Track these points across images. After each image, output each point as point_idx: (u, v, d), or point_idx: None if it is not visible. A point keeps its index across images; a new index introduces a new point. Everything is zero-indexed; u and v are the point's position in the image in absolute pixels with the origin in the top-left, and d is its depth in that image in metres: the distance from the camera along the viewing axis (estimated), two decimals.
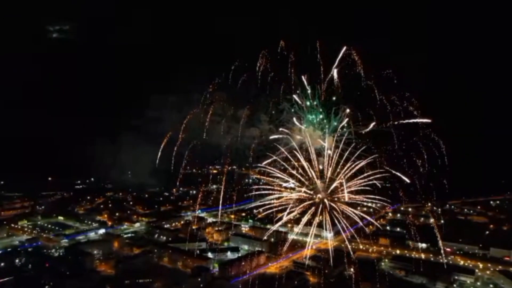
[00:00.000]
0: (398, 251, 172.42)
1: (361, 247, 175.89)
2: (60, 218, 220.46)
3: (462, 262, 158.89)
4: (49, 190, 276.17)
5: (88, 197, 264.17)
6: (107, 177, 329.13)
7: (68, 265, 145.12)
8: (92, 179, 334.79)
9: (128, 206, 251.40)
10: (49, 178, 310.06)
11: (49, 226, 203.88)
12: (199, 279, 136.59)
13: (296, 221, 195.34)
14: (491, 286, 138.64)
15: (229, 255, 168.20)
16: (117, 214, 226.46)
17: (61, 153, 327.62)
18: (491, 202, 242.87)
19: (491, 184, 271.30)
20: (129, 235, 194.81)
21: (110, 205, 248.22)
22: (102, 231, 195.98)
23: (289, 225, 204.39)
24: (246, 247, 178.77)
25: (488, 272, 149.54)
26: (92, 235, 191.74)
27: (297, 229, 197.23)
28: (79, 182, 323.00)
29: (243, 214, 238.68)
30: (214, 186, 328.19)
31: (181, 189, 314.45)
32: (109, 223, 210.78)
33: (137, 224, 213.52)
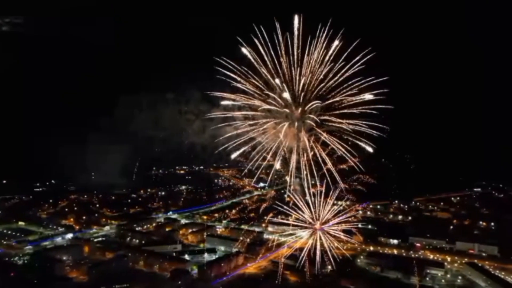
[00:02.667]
0: (371, 248, 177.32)
1: (335, 244, 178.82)
2: (21, 223, 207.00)
3: (431, 256, 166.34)
4: (5, 194, 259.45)
5: (50, 200, 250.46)
6: (69, 179, 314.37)
7: (36, 273, 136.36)
8: (53, 181, 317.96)
9: (95, 208, 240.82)
10: (4, 181, 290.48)
11: (9, 232, 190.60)
12: (179, 282, 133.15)
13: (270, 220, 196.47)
14: (459, 277, 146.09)
15: (206, 256, 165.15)
16: (84, 217, 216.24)
17: (17, 154, 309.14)
18: (452, 198, 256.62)
19: (451, 181, 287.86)
20: (100, 239, 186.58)
21: (75, 208, 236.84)
22: (69, 235, 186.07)
23: (263, 224, 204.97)
24: (222, 248, 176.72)
25: (456, 264, 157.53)
26: (59, 240, 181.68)
27: (272, 228, 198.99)
28: (38, 184, 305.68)
29: (216, 214, 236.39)
30: (183, 187, 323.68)
31: (149, 190, 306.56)
32: (77, 227, 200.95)
33: (107, 228, 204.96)
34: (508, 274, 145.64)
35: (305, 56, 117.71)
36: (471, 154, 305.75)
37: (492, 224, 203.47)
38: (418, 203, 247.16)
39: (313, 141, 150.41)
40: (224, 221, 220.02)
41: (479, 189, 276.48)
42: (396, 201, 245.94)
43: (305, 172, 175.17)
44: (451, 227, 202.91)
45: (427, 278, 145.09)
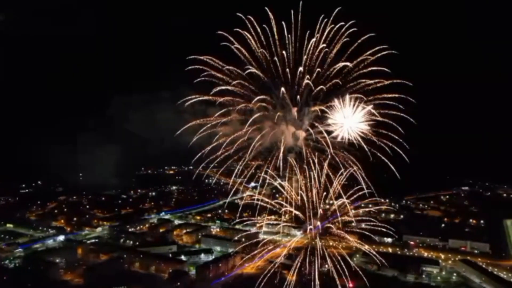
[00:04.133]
0: (366, 247, 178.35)
1: (331, 243, 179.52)
2: (9, 225, 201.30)
3: (426, 254, 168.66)
4: None
5: (39, 202, 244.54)
6: (56, 180, 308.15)
7: (29, 277, 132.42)
8: (39, 182, 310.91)
9: (85, 210, 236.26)
10: None
11: None
12: (178, 284, 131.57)
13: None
14: (454, 274, 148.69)
15: (203, 257, 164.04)
16: (74, 219, 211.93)
17: (0, 155, 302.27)
18: (442, 197, 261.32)
19: (439, 180, 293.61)
20: (93, 240, 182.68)
21: (65, 210, 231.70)
22: (61, 237, 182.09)
23: (258, 224, 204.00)
24: (218, 248, 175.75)
25: (450, 262, 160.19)
26: (50, 242, 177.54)
27: (267, 228, 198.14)
28: (24, 186, 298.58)
29: (209, 215, 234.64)
30: (174, 187, 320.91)
31: (139, 190, 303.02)
32: (68, 229, 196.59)
33: (99, 229, 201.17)
34: (500, 270, 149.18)
35: (304, 52, 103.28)
36: (458, 154, 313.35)
37: (482, 221, 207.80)
38: (408, 202, 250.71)
39: (311, 146, 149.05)
40: (218, 221, 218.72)
41: (467, 188, 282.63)
42: (387, 200, 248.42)
43: (302, 173, 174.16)
44: (443, 225, 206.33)
45: (423, 276, 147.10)
